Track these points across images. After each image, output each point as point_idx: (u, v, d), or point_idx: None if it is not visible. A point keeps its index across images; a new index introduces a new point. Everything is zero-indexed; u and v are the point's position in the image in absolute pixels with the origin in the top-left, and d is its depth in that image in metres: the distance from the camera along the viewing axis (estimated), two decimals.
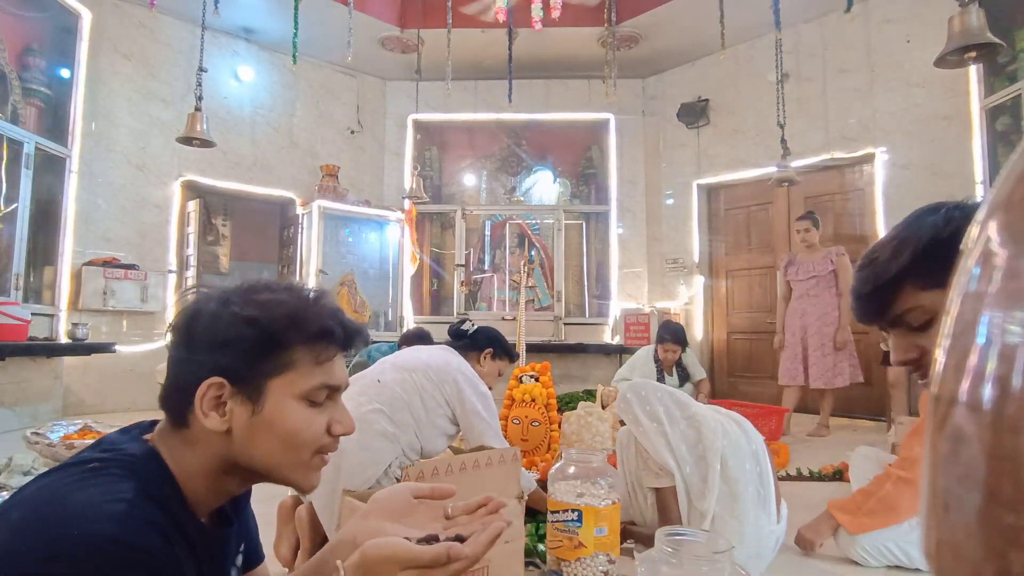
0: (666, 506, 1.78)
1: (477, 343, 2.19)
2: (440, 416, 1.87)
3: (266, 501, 2.08)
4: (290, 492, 1.88)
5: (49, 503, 0.60)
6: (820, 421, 4.08)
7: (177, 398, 0.70)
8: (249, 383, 0.69)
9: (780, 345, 4.21)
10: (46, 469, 2.64)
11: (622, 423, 1.96)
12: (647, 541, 1.86)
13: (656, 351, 4.28)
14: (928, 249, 0.76)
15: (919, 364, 0.78)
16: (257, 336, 0.69)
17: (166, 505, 0.65)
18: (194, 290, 0.75)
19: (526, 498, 1.68)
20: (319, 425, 0.73)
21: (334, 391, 0.75)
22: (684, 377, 4.33)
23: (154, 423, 0.75)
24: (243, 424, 0.69)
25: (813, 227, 4.08)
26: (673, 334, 4.24)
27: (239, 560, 0.82)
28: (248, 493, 0.86)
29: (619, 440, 1.99)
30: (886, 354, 3.18)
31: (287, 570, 1.75)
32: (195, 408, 0.68)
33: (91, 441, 3.01)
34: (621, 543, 1.84)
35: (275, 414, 0.70)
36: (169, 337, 0.73)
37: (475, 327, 2.24)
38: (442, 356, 1.98)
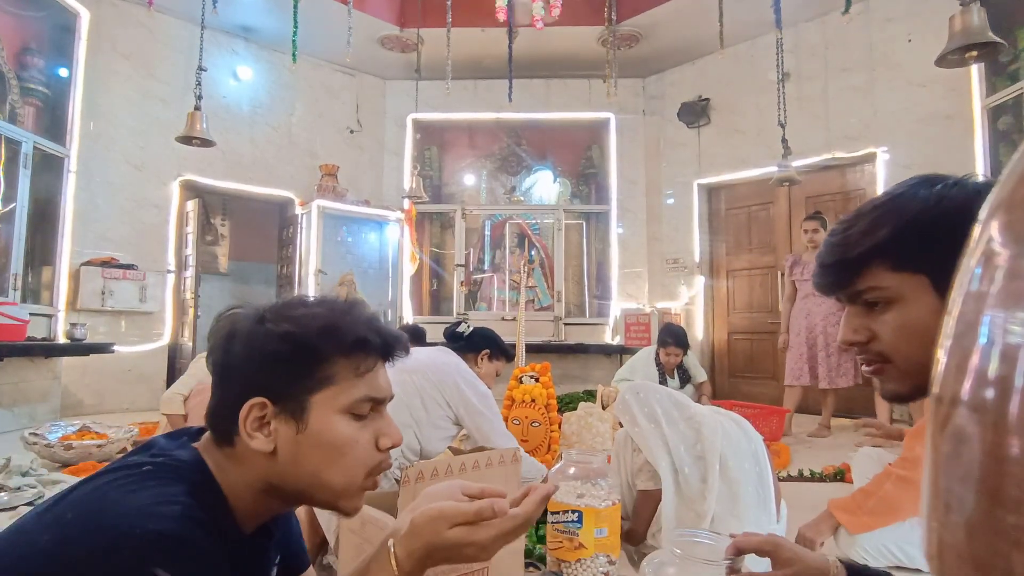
0: (643, 508, 1.77)
1: (474, 344, 2.19)
2: (441, 417, 1.87)
3: None
4: None
5: (105, 503, 0.61)
6: (821, 422, 4.08)
7: (222, 419, 0.70)
8: (291, 400, 0.68)
9: (784, 345, 4.21)
10: (44, 470, 2.63)
11: (620, 424, 1.95)
12: (628, 537, 1.82)
13: (657, 353, 4.28)
14: (910, 227, 0.68)
15: (865, 348, 0.72)
16: (293, 351, 0.69)
17: (212, 511, 0.65)
18: (229, 312, 0.75)
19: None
20: (367, 439, 0.72)
21: (378, 403, 0.74)
22: (685, 379, 4.33)
23: (201, 430, 0.75)
24: (288, 442, 0.68)
25: (821, 228, 4.08)
26: (675, 337, 4.24)
27: (274, 572, 0.83)
28: None
29: (616, 440, 1.99)
30: None
31: None
32: (240, 429, 0.68)
33: (89, 442, 3.01)
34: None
35: (320, 429, 0.69)
36: (209, 362, 0.74)
37: (471, 328, 2.24)
38: (440, 358, 1.99)
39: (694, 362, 4.45)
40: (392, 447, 0.74)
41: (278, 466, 0.69)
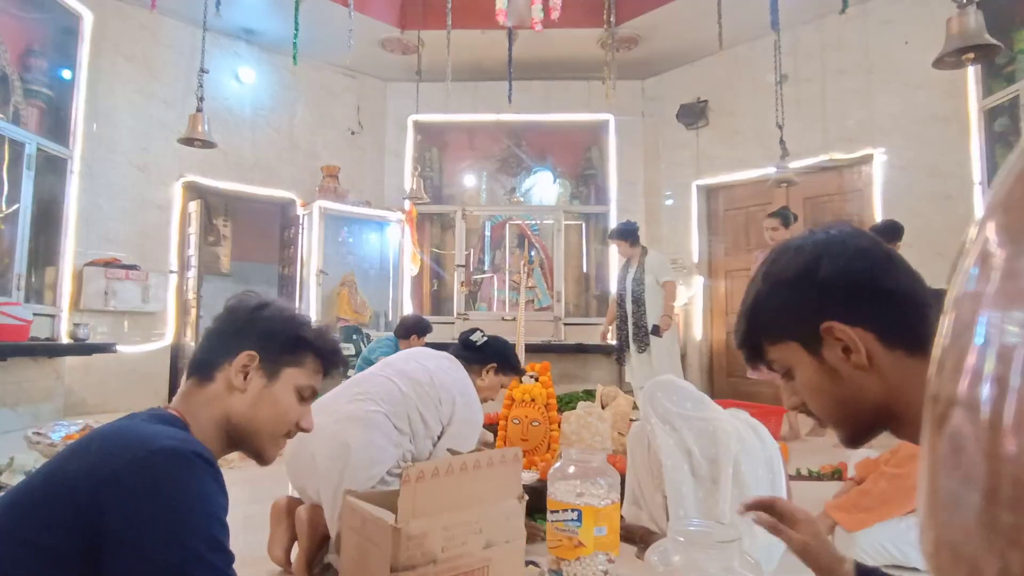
0: None
1: (483, 356, 2.18)
2: (436, 432, 1.93)
3: (261, 502, 2.07)
4: (289, 493, 1.88)
5: (126, 434, 0.79)
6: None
7: (212, 358, 0.93)
8: (272, 364, 0.95)
9: None
10: None
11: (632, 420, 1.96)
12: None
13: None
14: (753, 313, 0.77)
15: (807, 411, 0.78)
16: (297, 337, 0.98)
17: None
18: (245, 292, 1.02)
19: (526, 497, 1.68)
20: (296, 414, 0.98)
21: (312, 396, 1.01)
22: (641, 275, 4.32)
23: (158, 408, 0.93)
24: (255, 390, 0.94)
25: (782, 226, 3.87)
26: (618, 233, 4.40)
27: None
28: None
29: (630, 435, 2.00)
30: None
31: (280, 570, 1.75)
32: (227, 367, 0.92)
33: None
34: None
35: (279, 392, 0.96)
36: (224, 316, 0.98)
37: (485, 339, 2.22)
38: (447, 373, 1.99)
39: (660, 260, 4.42)
40: (304, 431, 1.00)
41: (238, 403, 0.92)
